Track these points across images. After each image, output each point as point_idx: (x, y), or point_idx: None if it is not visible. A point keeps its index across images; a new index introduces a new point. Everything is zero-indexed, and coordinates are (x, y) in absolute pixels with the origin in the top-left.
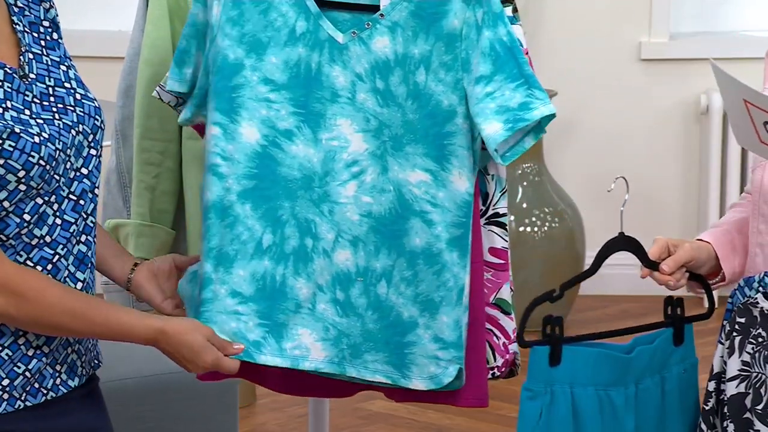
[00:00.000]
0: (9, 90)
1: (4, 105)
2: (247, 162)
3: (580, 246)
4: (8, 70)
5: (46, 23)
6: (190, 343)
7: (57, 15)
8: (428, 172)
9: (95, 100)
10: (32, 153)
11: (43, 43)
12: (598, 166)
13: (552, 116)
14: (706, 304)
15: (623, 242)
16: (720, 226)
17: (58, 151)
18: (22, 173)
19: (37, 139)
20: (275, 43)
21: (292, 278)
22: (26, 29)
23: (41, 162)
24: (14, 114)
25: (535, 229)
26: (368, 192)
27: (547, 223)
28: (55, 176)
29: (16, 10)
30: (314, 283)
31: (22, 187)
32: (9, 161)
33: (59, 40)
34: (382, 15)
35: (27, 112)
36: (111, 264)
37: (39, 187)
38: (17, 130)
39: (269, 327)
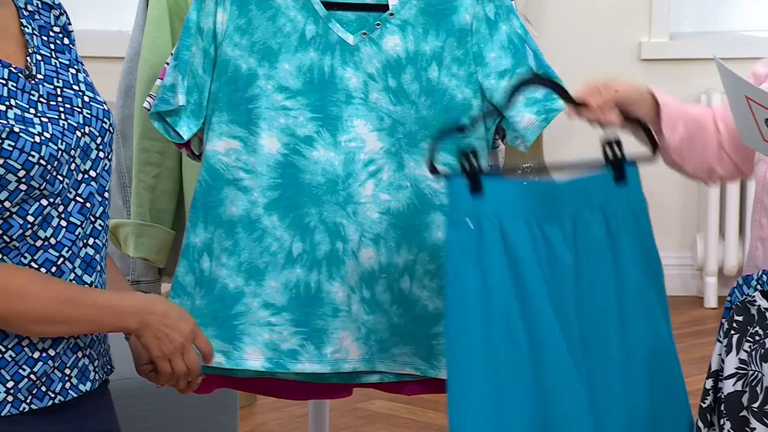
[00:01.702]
0: (13, 89)
1: (7, 103)
2: (270, 173)
3: None
4: (13, 70)
5: (56, 29)
6: (177, 308)
7: (69, 23)
8: (447, 165)
9: (105, 103)
10: (32, 152)
11: (52, 46)
12: None
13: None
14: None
15: (538, 79)
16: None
17: (60, 152)
18: (22, 173)
19: (37, 139)
20: (286, 49)
21: (327, 283)
22: (35, 32)
23: (41, 161)
24: (18, 112)
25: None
26: (385, 189)
27: None
28: (59, 177)
29: (25, 13)
30: (348, 285)
31: (23, 187)
32: (8, 161)
33: (70, 45)
34: (392, 14)
35: (32, 110)
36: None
37: (41, 188)
38: (16, 130)
39: (307, 334)
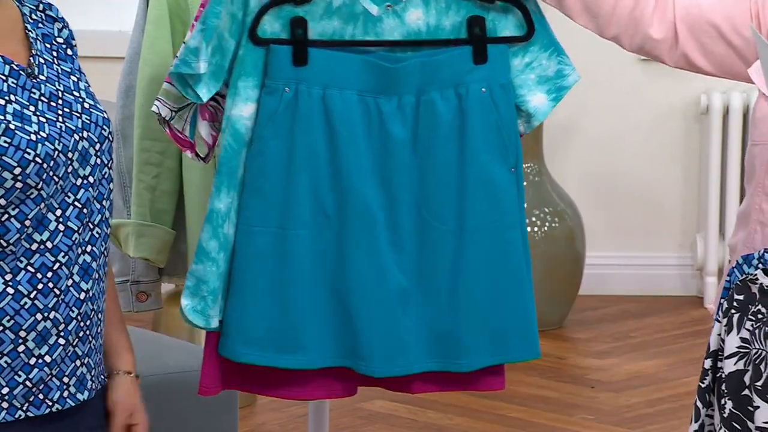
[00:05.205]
0: (13, 85)
1: (6, 98)
2: None
3: (580, 246)
4: (15, 67)
5: (60, 39)
6: None
7: (72, 37)
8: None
9: (105, 112)
10: (28, 150)
11: (54, 54)
12: (598, 166)
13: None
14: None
15: None
16: None
17: (57, 152)
18: (18, 170)
19: (33, 137)
20: (311, 17)
21: None
22: (39, 38)
23: (37, 159)
24: (17, 108)
25: (535, 229)
26: None
27: (547, 223)
28: (54, 177)
29: (30, 20)
30: None
31: (19, 185)
32: (4, 158)
33: (73, 57)
34: None
35: (31, 108)
36: (120, 356)
37: (38, 187)
38: (12, 127)
39: None
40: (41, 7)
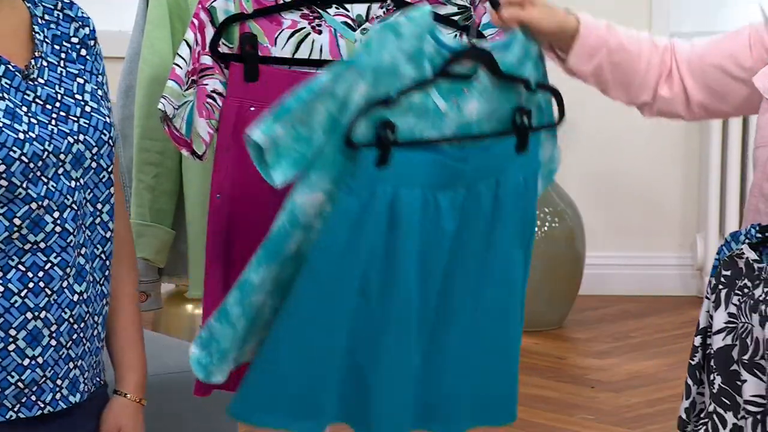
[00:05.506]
0: (6, 86)
1: None
2: None
3: (580, 246)
4: (11, 68)
5: (74, 40)
6: None
7: (91, 37)
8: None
9: (108, 116)
10: (14, 148)
11: (63, 55)
12: (598, 166)
13: None
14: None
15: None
16: (616, 28)
17: (46, 153)
18: (2, 167)
19: (21, 136)
20: (394, 116)
21: None
22: (47, 40)
23: (23, 158)
24: (10, 105)
25: (535, 229)
26: None
27: (547, 223)
28: (42, 178)
29: (41, 21)
30: None
31: (4, 183)
32: None
33: (87, 57)
34: (478, 81)
35: (23, 108)
36: (125, 376)
37: (24, 186)
38: (0, 124)
39: None
40: (59, 6)
